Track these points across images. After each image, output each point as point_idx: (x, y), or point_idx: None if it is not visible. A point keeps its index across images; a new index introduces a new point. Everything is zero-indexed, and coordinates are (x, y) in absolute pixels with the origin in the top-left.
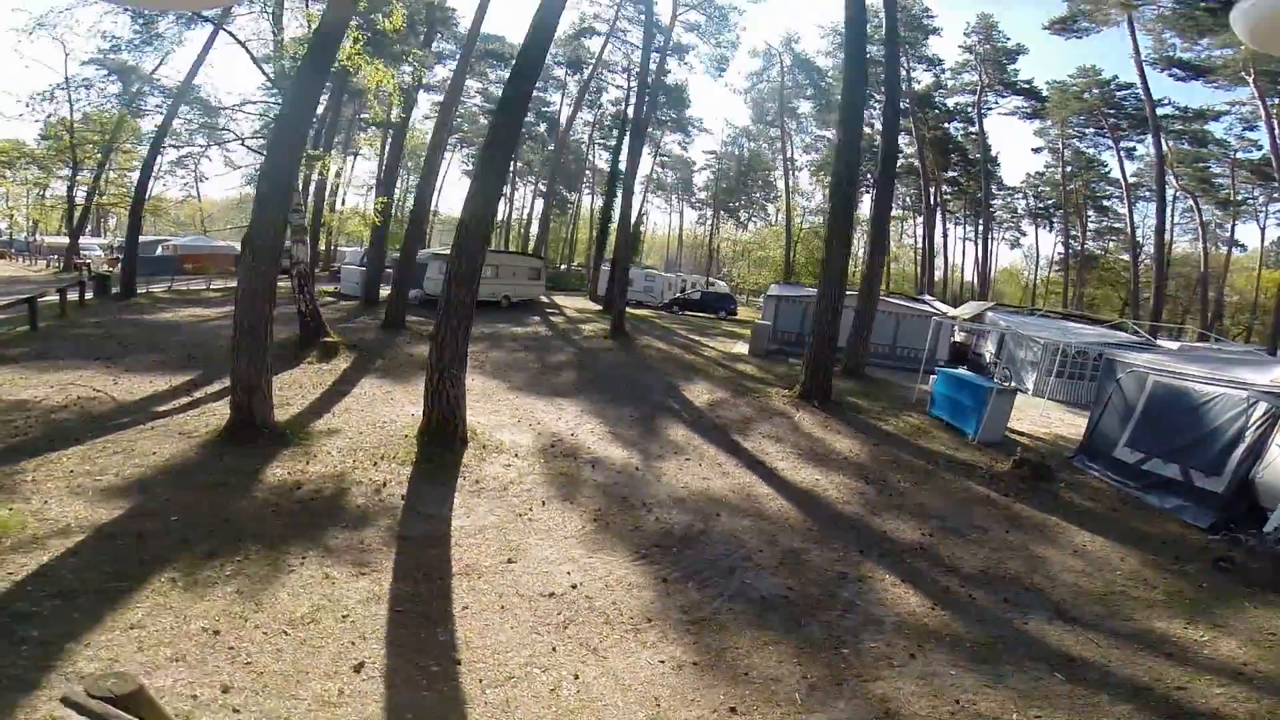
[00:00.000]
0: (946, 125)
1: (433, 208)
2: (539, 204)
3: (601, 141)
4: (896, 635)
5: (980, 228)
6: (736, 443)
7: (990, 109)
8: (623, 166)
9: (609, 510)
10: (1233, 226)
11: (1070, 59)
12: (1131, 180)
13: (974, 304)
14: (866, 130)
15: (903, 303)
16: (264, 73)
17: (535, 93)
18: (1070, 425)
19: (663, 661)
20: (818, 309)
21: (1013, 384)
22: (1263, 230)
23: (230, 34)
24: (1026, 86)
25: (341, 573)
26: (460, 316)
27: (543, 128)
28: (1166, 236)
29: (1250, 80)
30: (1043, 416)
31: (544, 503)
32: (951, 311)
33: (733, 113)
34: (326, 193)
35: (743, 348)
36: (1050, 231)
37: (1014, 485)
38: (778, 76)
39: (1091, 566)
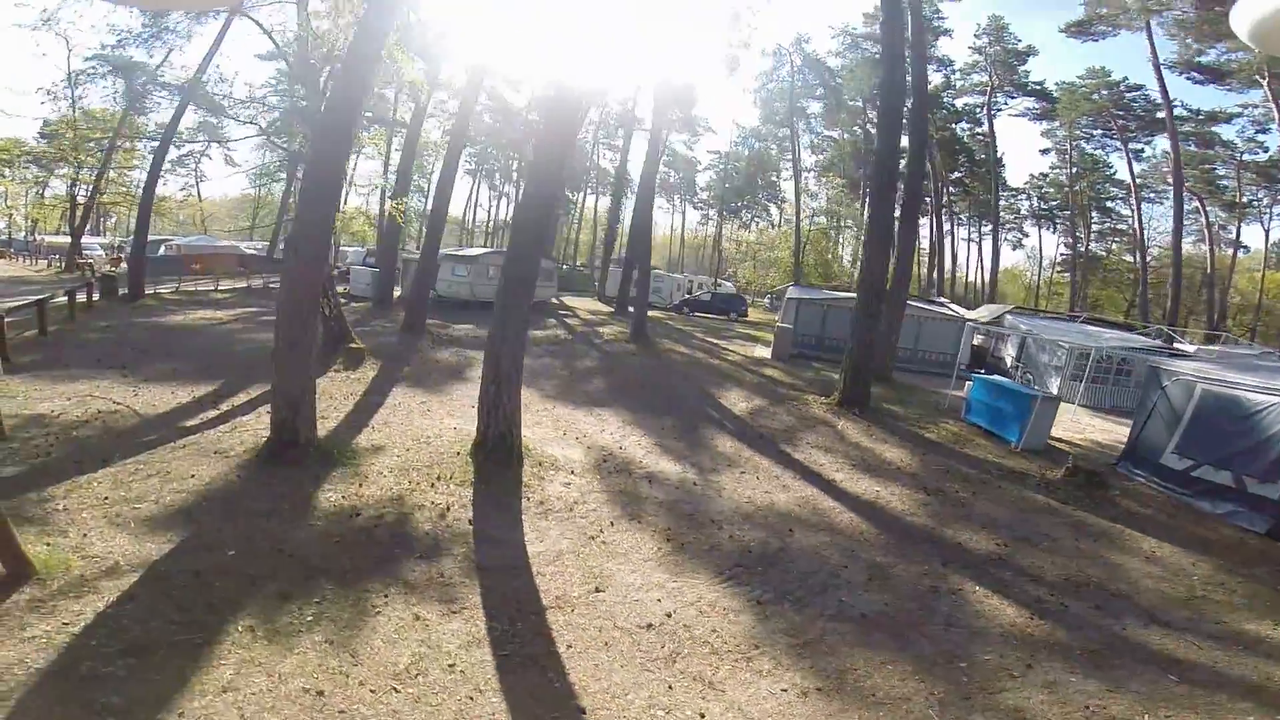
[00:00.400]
0: (954, 126)
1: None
2: None
3: (605, 140)
4: (1006, 646)
5: (988, 228)
6: (787, 454)
7: (1000, 110)
8: (632, 168)
9: (679, 529)
10: (1238, 228)
11: (1078, 60)
12: (1137, 182)
13: (992, 306)
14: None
15: (924, 306)
16: (287, 62)
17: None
18: (1103, 431)
19: (785, 690)
20: (856, 316)
21: (1037, 389)
22: (1267, 232)
23: (255, 21)
24: (1038, 88)
25: (431, 613)
26: (517, 323)
27: None
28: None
29: (1264, 83)
30: (1074, 422)
31: (612, 523)
32: (970, 314)
33: (740, 113)
34: None
35: (763, 351)
36: (1053, 233)
37: (1070, 493)
38: (788, 76)
39: (1168, 572)
